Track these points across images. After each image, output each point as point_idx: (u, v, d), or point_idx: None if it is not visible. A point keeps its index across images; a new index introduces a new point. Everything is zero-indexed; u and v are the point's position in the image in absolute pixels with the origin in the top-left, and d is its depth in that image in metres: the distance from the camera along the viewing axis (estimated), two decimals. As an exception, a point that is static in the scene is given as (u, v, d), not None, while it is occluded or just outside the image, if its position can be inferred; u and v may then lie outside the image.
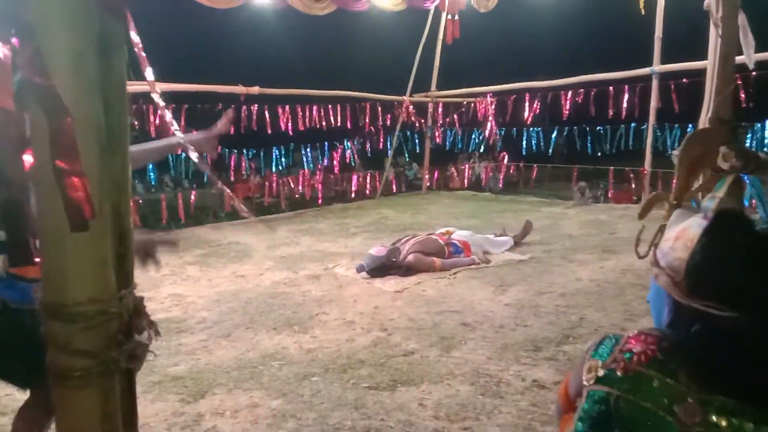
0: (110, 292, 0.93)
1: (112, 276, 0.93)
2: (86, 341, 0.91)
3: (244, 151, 9.14)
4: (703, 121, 1.95)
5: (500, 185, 13.27)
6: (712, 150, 1.76)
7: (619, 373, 1.01)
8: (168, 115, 1.33)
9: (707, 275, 1.00)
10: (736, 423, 0.93)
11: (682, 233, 1.06)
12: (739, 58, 2.00)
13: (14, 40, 0.89)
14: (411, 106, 10.63)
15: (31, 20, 0.80)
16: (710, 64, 1.99)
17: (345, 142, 10.48)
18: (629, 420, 0.98)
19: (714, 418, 0.94)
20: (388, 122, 10.53)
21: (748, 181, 2.06)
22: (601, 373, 1.03)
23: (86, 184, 0.81)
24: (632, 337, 1.05)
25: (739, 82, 6.20)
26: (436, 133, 11.12)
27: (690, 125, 8.33)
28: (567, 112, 9.24)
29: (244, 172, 9.53)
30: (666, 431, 0.94)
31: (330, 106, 9.42)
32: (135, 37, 0.99)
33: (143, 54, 1.11)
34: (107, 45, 0.90)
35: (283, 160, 10.03)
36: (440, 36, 10.11)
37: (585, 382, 1.04)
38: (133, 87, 4.41)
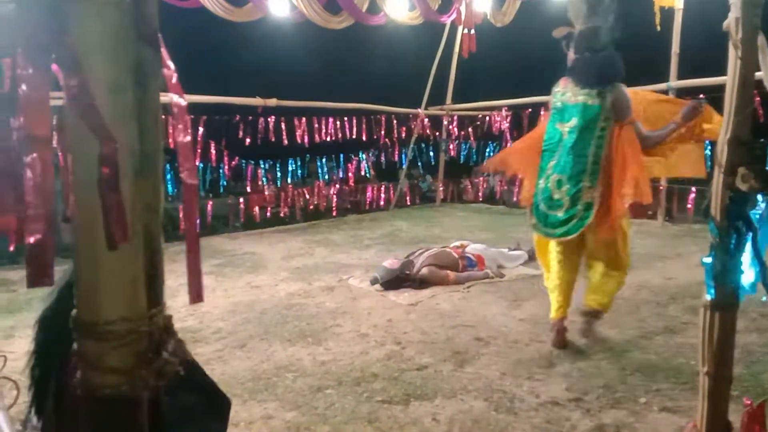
0: (141, 311, 0.96)
1: (143, 295, 0.96)
2: (117, 359, 0.94)
3: (261, 162, 9.22)
4: (722, 142, 1.95)
5: (514, 198, 13.18)
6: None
7: None
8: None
9: None
10: None
11: None
12: (758, 74, 2.00)
13: (54, 69, 0.93)
14: (426, 119, 10.67)
15: (75, 52, 0.84)
16: (729, 85, 1.99)
17: (360, 153, 10.53)
18: None
19: None
20: (403, 135, 10.57)
21: (766, 203, 2.05)
22: None
23: (124, 208, 0.85)
24: None
25: (757, 99, 6.16)
26: (451, 146, 11.13)
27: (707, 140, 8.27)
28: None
29: (260, 182, 9.59)
30: None
31: (346, 118, 9.48)
32: (170, 64, 1.03)
33: (175, 79, 1.15)
34: (143, 73, 0.93)
35: (298, 171, 10.10)
36: (456, 50, 10.16)
37: None
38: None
